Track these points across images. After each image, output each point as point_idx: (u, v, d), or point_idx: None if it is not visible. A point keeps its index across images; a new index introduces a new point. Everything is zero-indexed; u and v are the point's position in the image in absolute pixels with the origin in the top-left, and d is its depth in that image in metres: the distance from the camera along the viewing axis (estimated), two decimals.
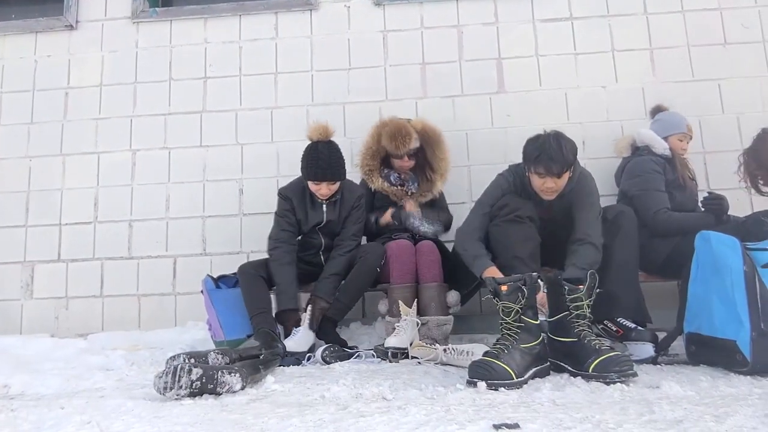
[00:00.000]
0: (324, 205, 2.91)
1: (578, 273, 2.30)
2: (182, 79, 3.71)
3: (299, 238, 2.99)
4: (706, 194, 2.79)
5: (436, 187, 3.08)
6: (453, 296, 2.76)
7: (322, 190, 2.84)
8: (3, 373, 2.24)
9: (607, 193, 3.22)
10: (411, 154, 3.04)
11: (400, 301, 2.64)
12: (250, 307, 2.73)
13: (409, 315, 2.59)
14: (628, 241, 2.55)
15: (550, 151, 2.43)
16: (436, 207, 3.13)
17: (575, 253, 2.48)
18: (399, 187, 3.06)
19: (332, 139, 2.90)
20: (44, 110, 3.72)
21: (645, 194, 2.81)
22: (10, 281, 3.56)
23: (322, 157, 2.80)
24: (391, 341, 2.48)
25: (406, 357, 2.46)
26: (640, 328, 2.39)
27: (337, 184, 2.88)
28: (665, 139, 2.99)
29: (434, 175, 3.09)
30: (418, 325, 2.61)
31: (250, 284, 2.79)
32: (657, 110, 3.21)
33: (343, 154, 2.89)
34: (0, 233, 3.61)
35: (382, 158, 3.10)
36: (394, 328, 2.57)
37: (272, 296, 2.81)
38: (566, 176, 2.51)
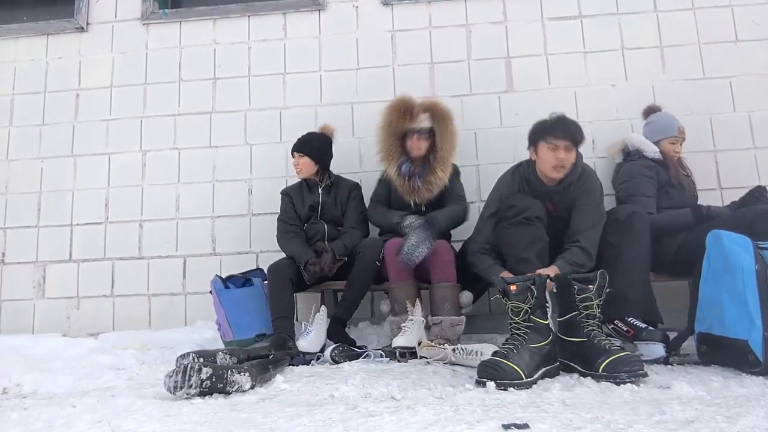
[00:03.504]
0: (320, 188, 3.13)
1: (566, 267, 2.37)
2: (191, 80, 3.73)
3: (304, 226, 3.12)
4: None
5: (437, 176, 2.97)
6: (466, 297, 2.74)
7: (295, 160, 3.11)
8: (15, 372, 2.26)
9: (610, 193, 3.21)
10: (423, 133, 2.97)
11: (407, 301, 2.64)
12: (273, 309, 2.77)
13: (415, 314, 2.59)
14: (639, 241, 2.52)
15: (565, 120, 2.58)
16: (448, 199, 3.00)
17: (565, 251, 2.51)
18: (406, 180, 3.00)
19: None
20: (55, 111, 3.75)
21: (631, 199, 2.81)
22: (22, 281, 3.59)
23: (305, 137, 3.15)
24: (399, 341, 2.48)
25: (414, 356, 2.46)
26: (650, 328, 2.37)
27: (306, 159, 3.10)
28: (657, 143, 2.99)
29: (435, 162, 2.97)
30: (423, 323, 2.61)
31: (278, 286, 2.81)
32: (650, 111, 3.18)
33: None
34: (12, 234, 3.65)
35: (399, 138, 3.01)
36: (400, 328, 2.57)
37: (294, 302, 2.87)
38: (574, 153, 2.57)
